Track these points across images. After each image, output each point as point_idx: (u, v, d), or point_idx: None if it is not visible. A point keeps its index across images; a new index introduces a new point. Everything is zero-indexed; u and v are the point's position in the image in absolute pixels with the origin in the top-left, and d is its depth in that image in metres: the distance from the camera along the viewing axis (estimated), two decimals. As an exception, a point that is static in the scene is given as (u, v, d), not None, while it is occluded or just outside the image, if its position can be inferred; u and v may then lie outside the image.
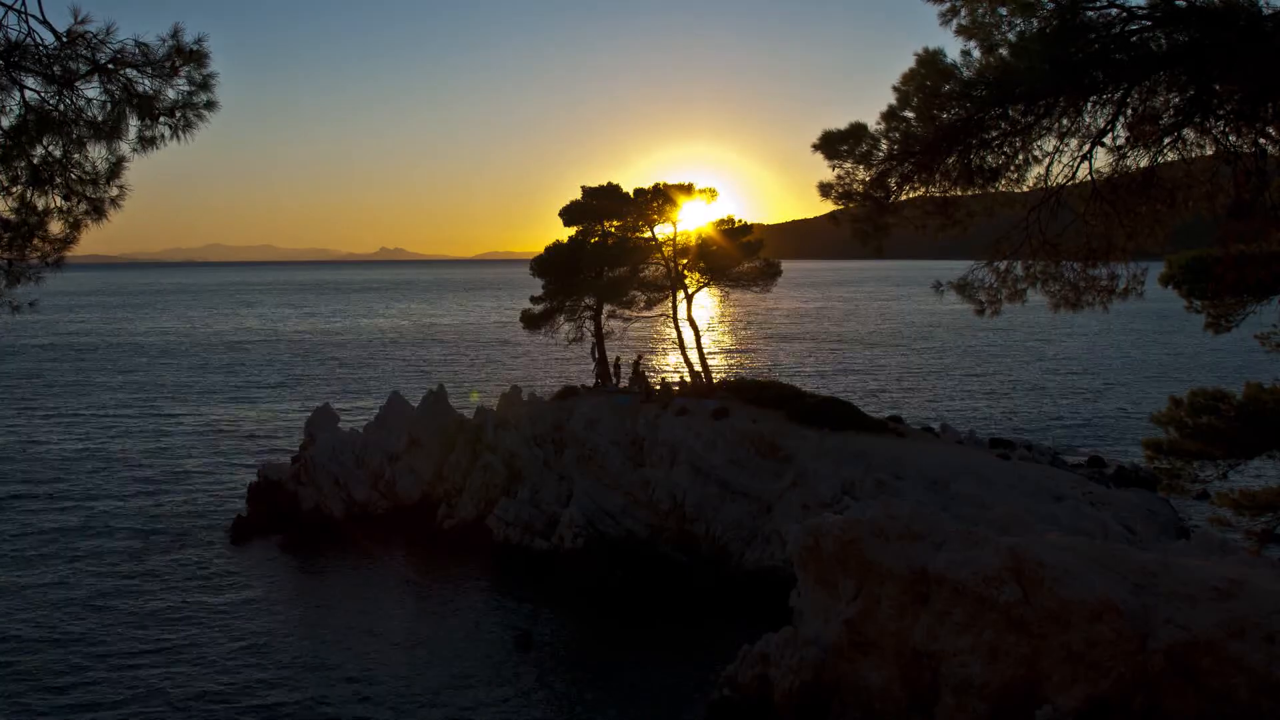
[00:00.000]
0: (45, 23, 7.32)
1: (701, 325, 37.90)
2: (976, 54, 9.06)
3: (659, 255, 38.00)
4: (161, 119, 7.96)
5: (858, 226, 10.17)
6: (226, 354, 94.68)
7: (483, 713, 20.19)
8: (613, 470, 30.67)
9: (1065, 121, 9.34)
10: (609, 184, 36.85)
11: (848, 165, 9.81)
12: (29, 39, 7.41)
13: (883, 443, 28.93)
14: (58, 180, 8.06)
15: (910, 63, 9.19)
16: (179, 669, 22.19)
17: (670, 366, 64.94)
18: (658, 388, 35.55)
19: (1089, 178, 9.73)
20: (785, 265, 39.72)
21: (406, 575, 29.44)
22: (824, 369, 79.02)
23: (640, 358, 38.10)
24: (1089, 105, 9.20)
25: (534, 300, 38.86)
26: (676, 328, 37.31)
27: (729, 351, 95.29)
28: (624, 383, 37.12)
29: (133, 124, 7.95)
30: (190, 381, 73.35)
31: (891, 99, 9.39)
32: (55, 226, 8.27)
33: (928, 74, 9.08)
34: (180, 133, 8.04)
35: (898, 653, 15.99)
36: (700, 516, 28.45)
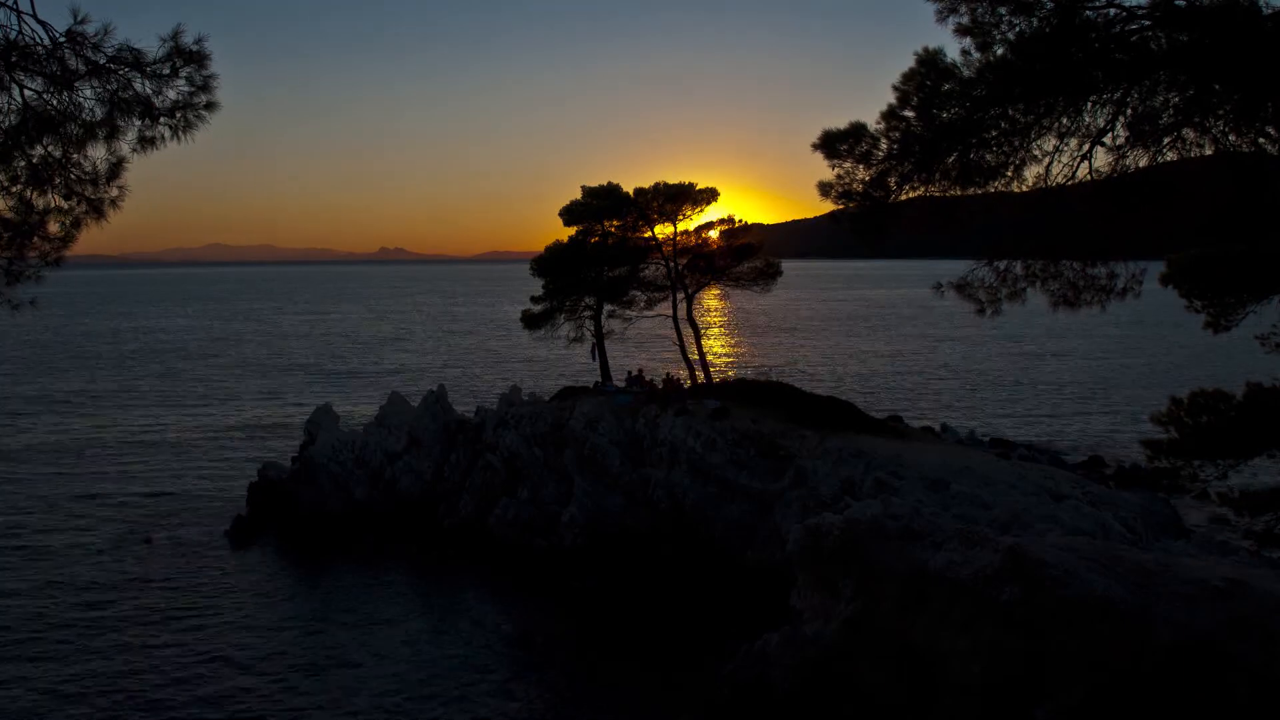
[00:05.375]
0: (44, 23, 7.33)
1: (701, 325, 37.89)
2: (976, 53, 9.07)
3: (659, 255, 38.01)
4: (161, 120, 7.97)
5: (858, 226, 10.18)
6: (226, 353, 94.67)
7: (483, 713, 20.18)
8: (613, 470, 30.67)
9: (1065, 121, 9.34)
10: (609, 184, 36.86)
11: (848, 165, 9.83)
12: (28, 39, 7.41)
13: (883, 443, 28.91)
14: (57, 180, 8.07)
15: (910, 62, 9.21)
16: (177, 669, 22.18)
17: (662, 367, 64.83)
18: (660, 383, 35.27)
19: (1089, 177, 9.73)
20: (785, 265, 39.75)
21: (406, 575, 29.43)
22: (824, 369, 79.00)
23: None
24: (1089, 105, 9.21)
25: (534, 300, 38.86)
26: (676, 328, 37.30)
27: (729, 351, 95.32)
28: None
29: (133, 124, 7.96)
30: (190, 381, 73.32)
31: (891, 99, 9.41)
32: (54, 226, 8.28)
33: (928, 73, 9.10)
34: (180, 133, 8.05)
35: (898, 653, 15.98)
36: (700, 516, 28.44)
